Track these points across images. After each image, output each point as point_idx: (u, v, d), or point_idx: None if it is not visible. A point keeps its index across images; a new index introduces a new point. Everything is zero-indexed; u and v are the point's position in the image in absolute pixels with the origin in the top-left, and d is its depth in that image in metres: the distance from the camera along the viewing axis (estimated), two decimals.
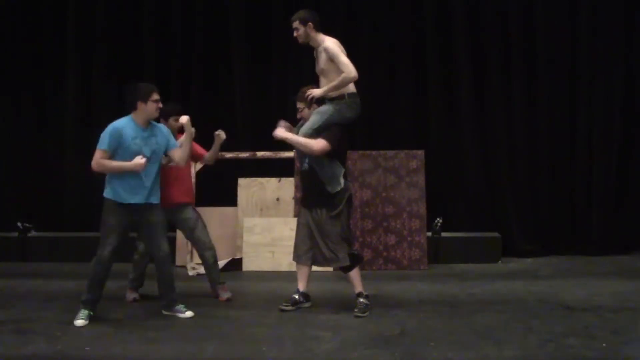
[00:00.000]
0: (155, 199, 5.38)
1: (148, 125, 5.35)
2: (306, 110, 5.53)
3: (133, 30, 8.70)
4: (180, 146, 5.51)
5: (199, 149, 6.21)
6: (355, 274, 5.52)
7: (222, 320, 5.34)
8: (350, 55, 5.27)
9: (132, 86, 5.41)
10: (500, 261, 7.73)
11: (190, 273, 7.36)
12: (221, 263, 7.52)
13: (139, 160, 5.16)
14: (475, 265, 7.51)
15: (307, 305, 5.66)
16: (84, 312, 5.26)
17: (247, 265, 7.52)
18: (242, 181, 7.93)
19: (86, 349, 4.62)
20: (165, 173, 5.67)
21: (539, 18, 8.23)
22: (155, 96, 5.32)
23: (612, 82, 8.17)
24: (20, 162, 8.84)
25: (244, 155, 7.92)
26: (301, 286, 5.64)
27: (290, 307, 5.56)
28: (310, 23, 5.45)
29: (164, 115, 5.79)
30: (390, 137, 8.19)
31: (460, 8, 8.29)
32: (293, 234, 7.43)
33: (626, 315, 5.27)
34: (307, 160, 5.49)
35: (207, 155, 6.20)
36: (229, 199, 7.83)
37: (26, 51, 8.82)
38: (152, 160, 5.30)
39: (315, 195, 5.47)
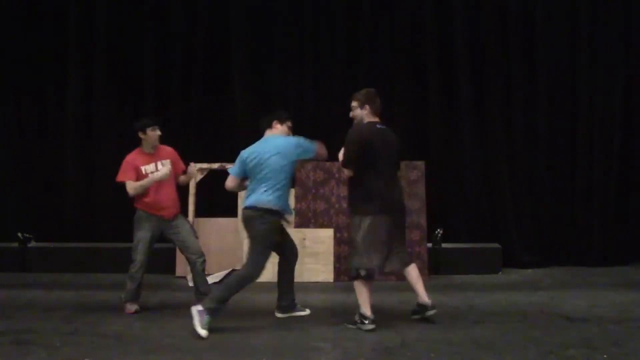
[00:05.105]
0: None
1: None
2: (357, 110, 5.56)
3: (134, 38, 8.71)
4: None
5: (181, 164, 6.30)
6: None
7: (222, 330, 5.32)
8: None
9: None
10: (500, 272, 7.73)
11: (191, 284, 7.34)
12: (221, 274, 7.55)
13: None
14: (475, 276, 7.50)
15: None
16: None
17: None
18: (242, 192, 7.90)
19: None
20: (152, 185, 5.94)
21: (539, 28, 8.26)
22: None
23: (612, 93, 8.19)
24: (20, 172, 8.84)
25: None
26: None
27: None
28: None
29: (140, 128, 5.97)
30: None
31: (460, 19, 8.31)
32: None
33: (627, 327, 5.26)
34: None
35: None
36: (229, 209, 7.82)
37: (26, 60, 8.83)
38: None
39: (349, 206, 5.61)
